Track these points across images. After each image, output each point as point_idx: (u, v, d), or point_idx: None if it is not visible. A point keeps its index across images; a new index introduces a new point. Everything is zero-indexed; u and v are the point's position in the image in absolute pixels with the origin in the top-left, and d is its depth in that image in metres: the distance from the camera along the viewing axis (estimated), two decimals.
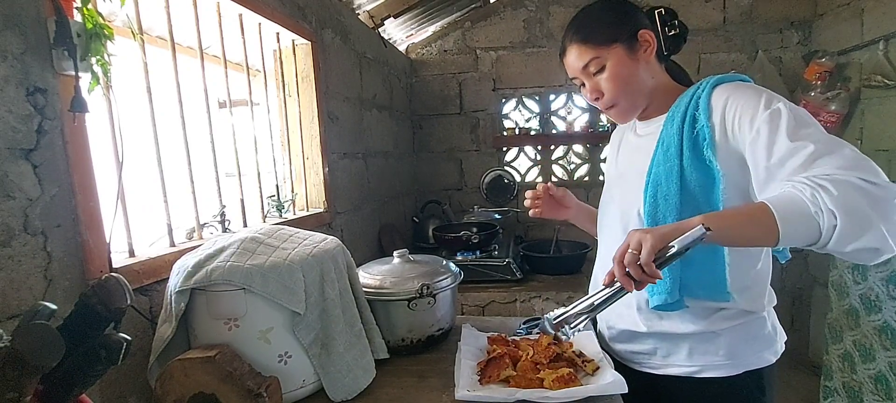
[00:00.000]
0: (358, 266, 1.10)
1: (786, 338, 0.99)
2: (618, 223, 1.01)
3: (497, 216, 2.64)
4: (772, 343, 0.95)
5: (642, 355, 1.01)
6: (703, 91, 0.88)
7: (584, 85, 0.98)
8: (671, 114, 0.91)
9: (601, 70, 0.93)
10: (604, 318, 1.09)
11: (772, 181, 0.77)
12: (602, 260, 1.10)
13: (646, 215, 0.90)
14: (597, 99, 0.96)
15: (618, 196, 1.03)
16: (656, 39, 0.93)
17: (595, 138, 2.88)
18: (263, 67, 1.51)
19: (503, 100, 2.98)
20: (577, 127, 2.91)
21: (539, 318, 1.25)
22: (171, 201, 1.07)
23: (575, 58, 0.95)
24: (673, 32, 0.96)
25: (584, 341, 1.04)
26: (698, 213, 0.74)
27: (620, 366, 1.01)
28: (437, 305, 1.08)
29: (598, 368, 0.94)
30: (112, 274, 0.67)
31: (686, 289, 0.88)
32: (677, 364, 0.96)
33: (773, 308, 0.97)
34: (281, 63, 1.60)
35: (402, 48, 2.83)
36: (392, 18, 2.32)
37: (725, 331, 0.91)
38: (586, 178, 2.98)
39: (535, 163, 3.02)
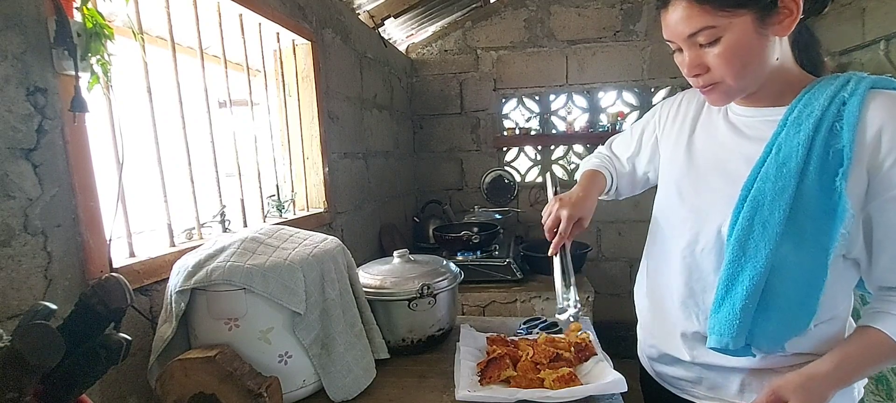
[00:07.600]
0: (358, 266, 1.10)
1: (865, 382, 0.80)
2: (684, 234, 0.80)
3: (497, 216, 2.64)
4: (848, 390, 0.75)
5: (685, 382, 0.86)
6: (851, 94, 0.65)
7: (679, 50, 0.73)
8: (798, 116, 0.68)
9: (714, 42, 0.68)
10: (644, 337, 0.95)
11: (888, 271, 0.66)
12: (655, 278, 0.89)
13: (731, 239, 0.71)
14: (697, 74, 0.72)
15: (690, 198, 0.81)
16: (801, 5, 0.65)
17: (595, 138, 2.87)
18: (263, 67, 1.51)
19: (503, 100, 2.98)
20: (577, 127, 2.91)
21: (539, 318, 1.26)
22: (171, 201, 1.07)
23: (680, 19, 0.69)
24: None
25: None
26: (799, 251, 0.65)
27: (661, 390, 0.91)
28: (437, 305, 1.08)
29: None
30: (112, 274, 0.67)
31: (758, 338, 0.71)
32: (726, 398, 0.80)
33: None
34: (281, 63, 1.60)
35: (402, 48, 2.82)
36: (392, 18, 2.32)
37: (790, 371, 0.72)
38: None
39: (536, 163, 3.02)
